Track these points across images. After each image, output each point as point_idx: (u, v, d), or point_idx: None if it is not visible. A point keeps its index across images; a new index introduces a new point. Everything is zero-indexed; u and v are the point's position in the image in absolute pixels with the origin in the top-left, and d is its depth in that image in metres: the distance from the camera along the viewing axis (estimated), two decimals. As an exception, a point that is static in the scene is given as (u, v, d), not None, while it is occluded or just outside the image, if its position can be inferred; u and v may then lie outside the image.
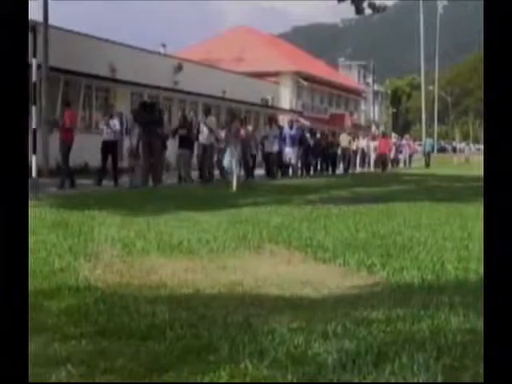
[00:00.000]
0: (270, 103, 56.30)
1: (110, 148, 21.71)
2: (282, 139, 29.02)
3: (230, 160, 21.97)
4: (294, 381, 3.66)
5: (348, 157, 38.53)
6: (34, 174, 16.28)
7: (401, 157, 50.83)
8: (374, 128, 67.86)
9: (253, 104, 50.72)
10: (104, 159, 21.75)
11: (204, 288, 6.08)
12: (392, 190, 20.41)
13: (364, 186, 22.80)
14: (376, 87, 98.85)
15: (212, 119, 24.74)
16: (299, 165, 31.71)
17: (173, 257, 7.73)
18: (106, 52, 34.44)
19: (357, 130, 60.96)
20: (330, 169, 35.87)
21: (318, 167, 34.98)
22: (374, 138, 44.21)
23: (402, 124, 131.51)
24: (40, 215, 11.43)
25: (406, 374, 3.73)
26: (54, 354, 4.13)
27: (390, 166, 43.09)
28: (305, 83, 64.99)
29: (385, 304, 5.33)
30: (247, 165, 26.78)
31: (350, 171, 38.26)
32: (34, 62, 16.95)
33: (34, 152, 16.50)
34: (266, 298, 5.78)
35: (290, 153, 29.46)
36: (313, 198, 16.48)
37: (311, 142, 33.17)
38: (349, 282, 6.46)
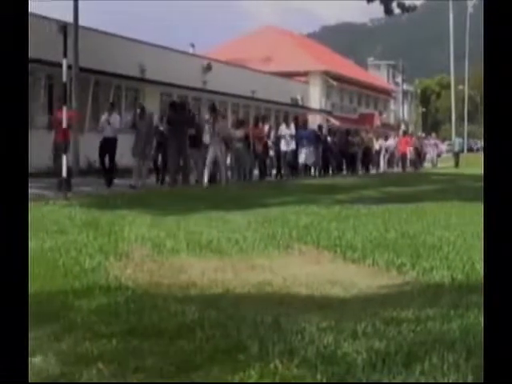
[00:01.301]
0: (299, 103, 56.24)
1: (108, 145, 20.71)
2: (297, 138, 28.44)
3: (210, 158, 21.44)
4: (324, 380, 3.66)
5: (369, 156, 37.74)
6: (64, 173, 16.40)
7: (428, 156, 50.01)
8: (403, 127, 67.45)
9: (282, 104, 50.67)
10: (103, 158, 20.86)
11: (233, 288, 6.10)
12: (421, 190, 20.29)
13: (392, 185, 22.69)
14: (405, 87, 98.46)
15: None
16: (320, 164, 31.36)
17: (202, 256, 7.75)
18: (135, 52, 34.59)
19: (386, 130, 60.69)
20: (351, 168, 35.22)
21: (343, 167, 34.47)
22: (386, 138, 42.73)
23: (432, 123, 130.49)
24: (70, 215, 11.50)
25: (436, 374, 3.72)
26: (84, 353, 4.16)
27: (408, 165, 41.92)
28: (334, 83, 64.84)
29: (415, 304, 5.31)
30: (261, 164, 26.69)
31: (373, 171, 37.70)
32: (64, 63, 17.07)
33: (65, 152, 16.63)
34: (295, 297, 5.79)
35: (304, 152, 28.84)
36: (341, 197, 16.44)
37: (330, 141, 32.72)
38: (378, 282, 6.45)
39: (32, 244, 8.35)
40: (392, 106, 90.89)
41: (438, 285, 6.24)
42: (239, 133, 24.25)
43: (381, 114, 78.76)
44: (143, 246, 8.28)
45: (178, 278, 6.55)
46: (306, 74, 60.83)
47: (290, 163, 28.24)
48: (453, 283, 6.32)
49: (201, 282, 6.33)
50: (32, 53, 25.02)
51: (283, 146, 27.70)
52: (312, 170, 30.73)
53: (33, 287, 5.99)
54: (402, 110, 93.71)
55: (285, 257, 7.86)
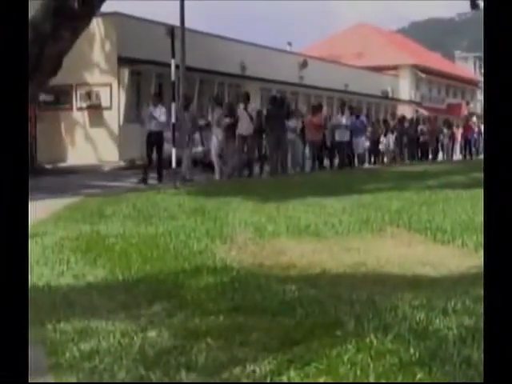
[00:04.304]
0: (389, 95, 55.61)
1: (154, 139, 17.91)
2: (351, 127, 26.01)
3: (214, 149, 19.05)
4: (417, 355, 3.63)
5: (438, 144, 35.93)
6: (173, 164, 16.67)
7: None
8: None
9: (374, 96, 50.21)
10: (149, 152, 18.04)
11: (330, 268, 6.09)
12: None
13: (477, 171, 22.14)
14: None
15: (253, 107, 21.26)
16: (391, 153, 30.09)
17: (301, 239, 7.75)
18: (237, 51, 34.76)
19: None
20: (419, 156, 32.98)
21: (418, 155, 32.97)
22: (449, 127, 39.78)
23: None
24: (179, 202, 11.67)
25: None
26: (194, 328, 4.22)
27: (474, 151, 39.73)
28: (423, 75, 63.84)
29: (503, 283, 5.19)
30: (319, 155, 24.51)
31: (446, 158, 36.14)
32: (172, 63, 17.31)
33: (174, 145, 16.88)
34: (388, 277, 5.74)
35: (358, 142, 26.64)
36: (431, 183, 16.18)
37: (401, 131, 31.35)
38: (467, 263, 6.33)
39: (147, 229, 8.55)
40: (479, 95, 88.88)
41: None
42: (291, 123, 22.21)
43: (468, 103, 77.10)
44: (246, 230, 8.33)
45: (278, 259, 6.57)
46: (395, 67, 60.06)
47: (346, 152, 26.34)
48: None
49: (300, 263, 6.34)
50: (143, 54, 25.19)
51: (337, 136, 25.41)
52: (370, 159, 29.17)
53: (147, 268, 6.14)
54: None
55: (378, 239, 7.79)
